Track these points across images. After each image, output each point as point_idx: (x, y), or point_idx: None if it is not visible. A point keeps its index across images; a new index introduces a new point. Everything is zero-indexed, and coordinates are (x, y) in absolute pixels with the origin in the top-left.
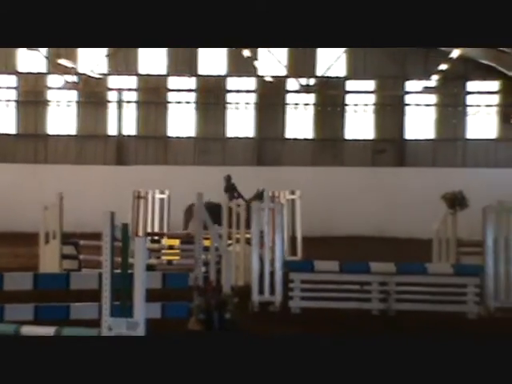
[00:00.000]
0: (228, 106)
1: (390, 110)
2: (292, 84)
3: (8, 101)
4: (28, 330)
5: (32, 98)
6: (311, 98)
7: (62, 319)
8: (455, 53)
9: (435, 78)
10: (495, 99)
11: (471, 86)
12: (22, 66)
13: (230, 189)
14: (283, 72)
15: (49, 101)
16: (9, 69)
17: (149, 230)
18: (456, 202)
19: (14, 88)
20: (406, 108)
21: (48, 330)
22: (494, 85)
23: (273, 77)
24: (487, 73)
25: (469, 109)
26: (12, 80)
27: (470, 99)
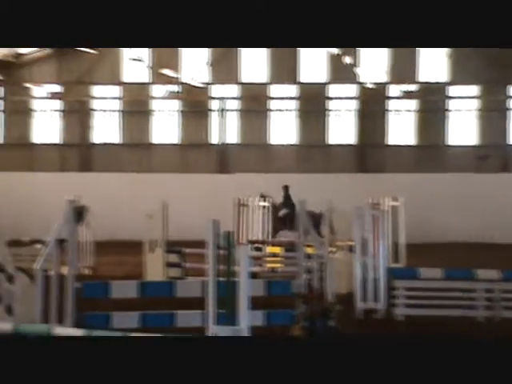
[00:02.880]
0: (329, 113)
1: (493, 115)
2: (393, 90)
3: (112, 111)
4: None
5: (136, 107)
6: (413, 103)
7: (167, 327)
8: None
9: None
10: None
11: None
12: (126, 77)
13: (288, 199)
14: (384, 78)
15: (152, 110)
16: (113, 79)
17: (251, 237)
18: None
19: (118, 98)
20: (510, 113)
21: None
22: None
23: (374, 83)
24: None
25: None
26: (116, 90)
27: None
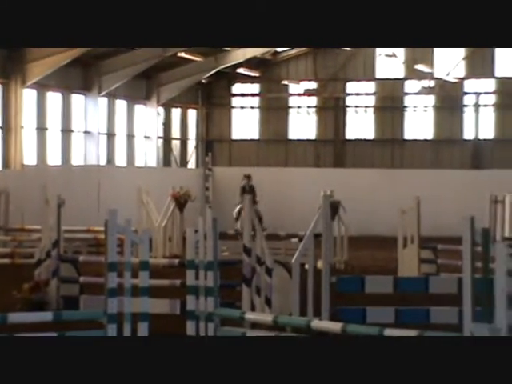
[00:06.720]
0: None
1: None
2: None
3: (366, 107)
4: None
5: (389, 103)
6: None
7: (421, 323)
8: None
9: None
10: None
11: None
12: (379, 72)
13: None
14: None
15: (405, 106)
16: (367, 75)
17: (506, 234)
18: None
19: (372, 94)
20: None
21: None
22: None
23: None
24: None
25: None
26: (369, 86)
27: None
